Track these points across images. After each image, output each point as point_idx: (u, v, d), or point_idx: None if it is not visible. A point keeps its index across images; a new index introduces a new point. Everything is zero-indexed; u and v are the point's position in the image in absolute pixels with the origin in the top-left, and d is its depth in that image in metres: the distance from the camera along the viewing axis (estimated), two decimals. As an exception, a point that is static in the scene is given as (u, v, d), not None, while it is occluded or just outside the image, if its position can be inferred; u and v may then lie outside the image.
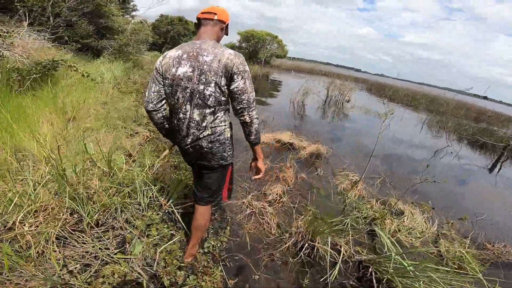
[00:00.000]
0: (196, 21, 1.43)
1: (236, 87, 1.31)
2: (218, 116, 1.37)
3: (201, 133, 1.37)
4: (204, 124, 1.36)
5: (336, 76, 28.66)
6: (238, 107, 1.35)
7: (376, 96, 15.32)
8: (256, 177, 1.57)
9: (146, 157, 2.67)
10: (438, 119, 9.49)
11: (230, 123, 1.47)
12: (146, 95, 1.40)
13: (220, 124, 1.38)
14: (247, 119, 1.36)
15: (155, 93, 1.38)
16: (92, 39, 8.91)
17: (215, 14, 1.38)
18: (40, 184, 1.77)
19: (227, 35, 1.50)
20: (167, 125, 1.51)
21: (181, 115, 1.37)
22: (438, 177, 3.15)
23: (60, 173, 1.79)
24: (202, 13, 1.40)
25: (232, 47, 20.92)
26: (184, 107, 1.34)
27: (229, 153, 1.47)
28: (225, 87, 1.32)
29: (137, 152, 2.87)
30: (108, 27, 9.43)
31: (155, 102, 1.39)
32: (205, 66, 1.27)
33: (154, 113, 1.42)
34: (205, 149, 1.40)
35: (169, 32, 20.99)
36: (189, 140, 1.40)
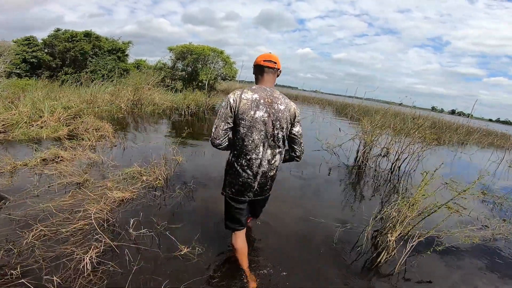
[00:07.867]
0: (256, 66, 1.65)
1: (297, 131, 1.67)
2: (282, 155, 1.67)
3: (270, 170, 1.63)
4: (273, 162, 1.62)
5: (294, 98, 25.58)
6: (297, 147, 1.71)
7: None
8: None
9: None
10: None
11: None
12: (214, 131, 1.55)
13: (279, 161, 1.67)
14: (301, 158, 1.77)
15: (224, 131, 1.55)
16: None
17: (275, 63, 1.63)
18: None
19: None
20: (226, 149, 1.66)
21: (253, 156, 1.57)
22: None
23: None
24: (264, 60, 1.62)
25: (161, 68, 15.08)
26: (258, 148, 1.56)
27: None
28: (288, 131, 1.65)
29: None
30: None
31: (221, 139, 1.56)
32: (279, 114, 1.56)
33: (220, 146, 1.59)
34: (268, 183, 1.68)
35: (69, 51, 14.18)
36: (258, 177, 1.61)
